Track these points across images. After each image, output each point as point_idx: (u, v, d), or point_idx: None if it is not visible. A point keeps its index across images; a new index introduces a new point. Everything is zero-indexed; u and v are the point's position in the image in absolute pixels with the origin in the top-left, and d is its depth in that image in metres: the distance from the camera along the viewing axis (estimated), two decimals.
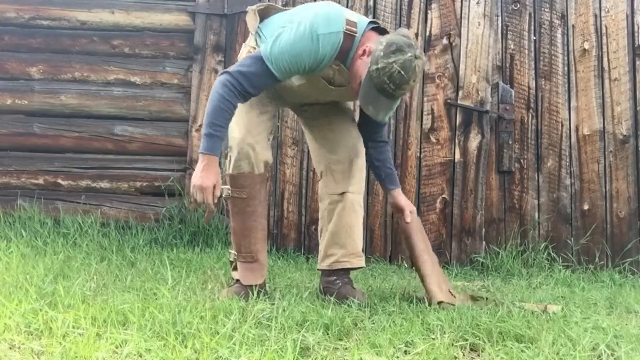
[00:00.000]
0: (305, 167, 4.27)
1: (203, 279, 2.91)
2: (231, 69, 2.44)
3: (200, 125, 4.29)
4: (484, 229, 4.25)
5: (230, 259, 2.73)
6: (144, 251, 3.68)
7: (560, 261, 4.11)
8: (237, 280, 2.63)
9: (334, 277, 2.66)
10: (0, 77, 4.36)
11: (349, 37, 2.42)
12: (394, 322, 2.17)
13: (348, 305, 2.40)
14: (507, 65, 4.33)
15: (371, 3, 4.34)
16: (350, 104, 2.93)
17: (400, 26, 4.30)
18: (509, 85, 4.31)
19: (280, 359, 1.72)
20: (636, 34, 4.32)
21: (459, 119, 4.30)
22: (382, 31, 2.50)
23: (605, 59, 4.31)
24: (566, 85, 4.31)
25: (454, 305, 2.57)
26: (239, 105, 2.64)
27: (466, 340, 2.02)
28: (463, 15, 4.34)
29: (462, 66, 4.31)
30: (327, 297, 2.54)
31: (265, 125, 2.64)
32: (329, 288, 2.64)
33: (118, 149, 4.34)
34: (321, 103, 2.78)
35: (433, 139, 4.29)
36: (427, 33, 4.33)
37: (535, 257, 4.09)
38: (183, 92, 4.36)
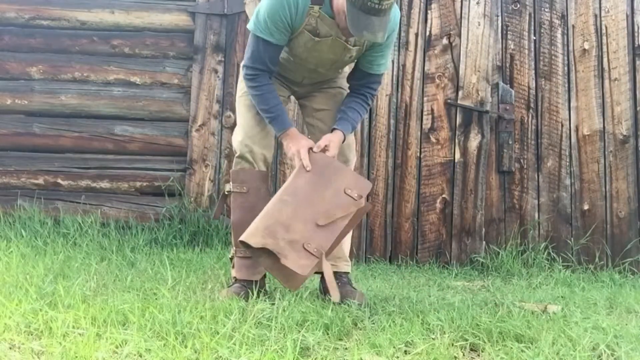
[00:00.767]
0: None
1: (203, 279, 2.90)
2: (243, 61, 2.60)
3: (200, 125, 4.29)
4: (484, 229, 4.25)
5: (230, 256, 2.74)
6: (144, 251, 3.68)
7: (560, 261, 4.11)
8: (236, 279, 2.63)
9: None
10: (0, 77, 4.36)
11: None
12: (394, 322, 2.16)
13: (348, 305, 2.40)
14: (507, 65, 4.33)
15: None
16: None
17: (400, 27, 4.30)
18: (509, 85, 4.31)
19: (280, 359, 1.72)
20: (636, 34, 4.32)
21: (459, 119, 4.30)
22: None
23: (605, 59, 4.31)
24: (566, 85, 4.31)
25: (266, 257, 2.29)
26: (240, 105, 2.69)
27: (466, 340, 2.02)
28: (463, 15, 4.34)
29: (462, 66, 4.31)
30: (327, 297, 2.54)
31: (264, 124, 2.65)
32: (328, 288, 2.63)
33: (118, 149, 4.34)
34: (321, 82, 2.75)
35: (433, 139, 4.29)
36: (427, 33, 4.33)
37: (535, 257, 4.10)
38: (183, 92, 4.36)
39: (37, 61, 4.37)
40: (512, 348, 1.92)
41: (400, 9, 4.33)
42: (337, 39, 2.53)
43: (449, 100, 4.30)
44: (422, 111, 4.30)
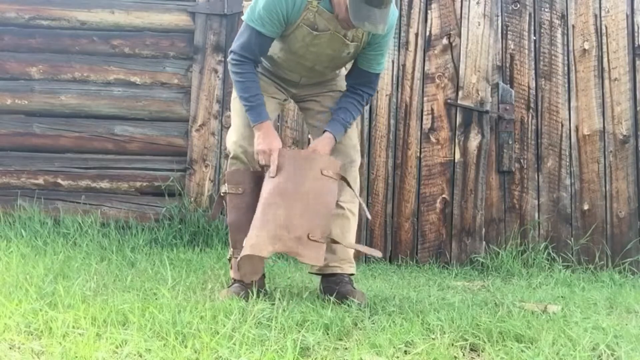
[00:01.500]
0: None
1: (203, 279, 2.90)
2: (232, 46, 2.60)
3: (200, 125, 4.29)
4: (484, 229, 4.25)
5: (228, 257, 2.74)
6: (144, 251, 3.68)
7: (560, 261, 4.11)
8: (235, 280, 2.63)
9: (333, 278, 2.66)
10: (0, 77, 4.36)
11: None
12: (394, 322, 2.17)
13: (348, 305, 2.40)
14: (507, 65, 4.33)
15: None
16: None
17: (400, 27, 4.30)
18: (509, 85, 4.31)
19: (280, 359, 1.72)
20: (636, 34, 4.32)
21: (459, 119, 4.30)
22: None
23: (605, 59, 4.31)
24: (566, 85, 4.31)
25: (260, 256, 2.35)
26: (236, 106, 2.68)
27: (466, 340, 2.02)
28: (463, 15, 4.34)
29: (462, 66, 4.31)
30: (327, 297, 2.54)
31: None
32: (329, 288, 2.64)
33: (118, 149, 4.34)
34: (320, 84, 2.75)
35: (433, 139, 4.29)
36: (427, 33, 4.33)
37: (535, 257, 4.10)
38: (183, 92, 4.36)
39: (37, 61, 4.37)
40: (512, 348, 1.92)
41: (400, 9, 4.33)
42: (335, 34, 2.53)
43: (449, 100, 4.30)
44: (422, 111, 4.30)
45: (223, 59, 4.33)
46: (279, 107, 2.80)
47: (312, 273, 2.78)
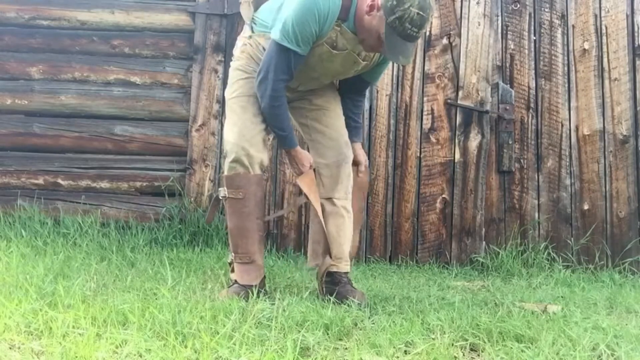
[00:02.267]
0: None
1: (203, 279, 2.90)
2: (260, 74, 2.55)
3: (200, 125, 4.29)
4: (484, 229, 4.25)
5: (228, 261, 2.74)
6: (144, 251, 3.68)
7: (560, 261, 4.11)
8: (235, 281, 2.63)
9: (333, 277, 2.66)
10: (0, 77, 4.36)
11: None
12: (394, 322, 2.17)
13: (348, 305, 2.40)
14: (507, 65, 4.33)
15: None
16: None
17: None
18: (509, 85, 4.31)
19: (280, 359, 1.72)
20: (636, 34, 4.32)
21: (459, 119, 4.30)
22: None
23: (605, 59, 4.31)
24: (566, 85, 4.31)
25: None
26: (234, 106, 2.67)
27: (466, 340, 2.02)
28: (463, 15, 4.34)
29: (462, 66, 4.31)
30: (327, 297, 2.54)
31: (260, 127, 2.64)
32: (328, 288, 2.64)
33: (118, 149, 4.33)
34: (317, 89, 2.78)
35: (433, 139, 4.29)
36: (427, 33, 4.33)
37: (535, 257, 4.10)
38: (183, 92, 4.36)
39: (37, 61, 4.37)
40: (512, 348, 1.92)
41: None
42: (351, 53, 2.56)
43: (449, 100, 4.30)
44: (422, 111, 4.30)
45: (223, 59, 4.33)
46: None
47: (309, 269, 2.84)
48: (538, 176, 4.27)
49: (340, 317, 2.14)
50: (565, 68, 4.32)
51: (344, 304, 2.43)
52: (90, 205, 4.26)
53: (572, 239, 4.22)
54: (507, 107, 4.28)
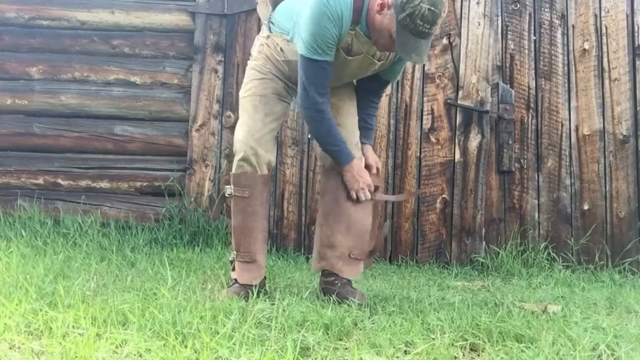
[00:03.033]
0: (305, 167, 4.26)
1: (203, 279, 2.91)
2: (300, 88, 2.52)
3: (200, 125, 4.29)
4: (484, 229, 4.25)
5: (230, 259, 2.74)
6: (144, 251, 3.68)
7: (560, 261, 4.11)
8: (236, 280, 2.63)
9: (333, 278, 2.66)
10: (0, 77, 4.36)
11: None
12: (394, 322, 2.17)
13: (348, 305, 2.40)
14: (507, 65, 4.33)
15: None
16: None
17: None
18: (509, 85, 4.31)
19: (280, 359, 1.72)
20: (636, 34, 4.32)
21: (459, 119, 4.30)
22: None
23: (605, 59, 4.31)
24: (566, 85, 4.31)
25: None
26: (246, 105, 2.65)
27: (466, 340, 2.02)
28: (463, 15, 4.34)
29: (462, 66, 4.31)
30: (327, 297, 2.54)
31: (270, 127, 2.65)
32: (328, 289, 2.64)
33: (118, 149, 4.33)
34: (333, 89, 2.77)
35: (433, 139, 4.29)
36: None
37: (535, 257, 4.10)
38: (183, 92, 4.36)
39: (37, 61, 4.37)
40: (512, 348, 1.92)
41: None
42: (366, 56, 2.54)
43: (449, 100, 4.30)
44: (422, 111, 4.30)
45: (223, 59, 4.33)
46: (286, 109, 2.79)
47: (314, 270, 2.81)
48: (538, 176, 4.27)
49: (340, 317, 2.14)
50: (565, 68, 4.32)
51: (344, 304, 2.43)
52: (90, 205, 4.26)
53: (572, 239, 4.22)
54: (507, 107, 4.28)
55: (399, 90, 4.29)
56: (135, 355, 1.71)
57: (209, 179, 4.28)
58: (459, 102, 4.30)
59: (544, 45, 4.33)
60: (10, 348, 1.72)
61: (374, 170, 2.78)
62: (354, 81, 2.81)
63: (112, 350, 1.73)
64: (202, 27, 4.35)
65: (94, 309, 2.03)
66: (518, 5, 4.35)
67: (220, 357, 1.72)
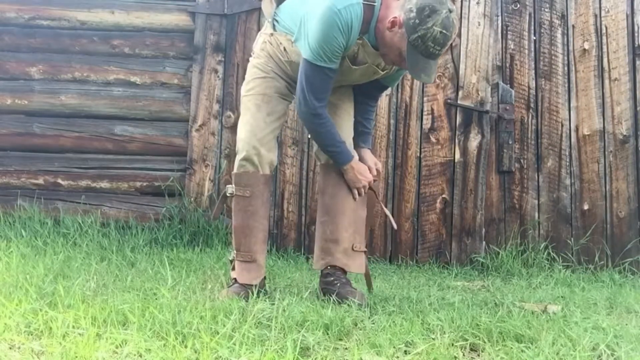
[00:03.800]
0: (305, 167, 4.26)
1: (203, 279, 2.90)
2: (299, 98, 2.51)
3: (200, 125, 4.29)
4: (484, 229, 4.25)
5: (230, 258, 2.74)
6: (144, 251, 3.68)
7: (560, 261, 4.11)
8: (235, 280, 2.63)
9: (332, 278, 2.66)
10: (0, 77, 4.36)
11: (369, 7, 2.42)
12: (394, 322, 2.17)
13: (348, 305, 2.40)
14: (507, 65, 4.33)
15: None
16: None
17: None
18: (509, 85, 4.31)
19: (280, 359, 1.72)
20: (636, 34, 4.32)
21: (459, 119, 4.30)
22: None
23: (605, 59, 4.31)
24: (566, 85, 4.31)
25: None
26: (248, 104, 2.65)
27: (466, 340, 2.02)
28: (463, 15, 4.34)
29: (462, 66, 4.31)
30: (327, 297, 2.54)
31: (273, 127, 2.65)
32: (328, 289, 2.64)
33: (118, 149, 4.33)
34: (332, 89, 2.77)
35: (433, 139, 4.29)
36: None
37: (535, 257, 4.10)
38: (183, 92, 4.36)
39: (37, 61, 4.37)
40: (512, 348, 1.92)
41: None
42: (370, 66, 2.55)
43: (449, 100, 4.30)
44: (422, 111, 4.30)
45: (223, 59, 4.33)
46: (287, 108, 2.79)
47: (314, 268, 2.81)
48: (538, 176, 4.27)
49: (340, 317, 2.14)
50: (565, 68, 4.32)
51: (344, 304, 2.43)
52: (90, 205, 4.26)
53: (572, 239, 4.22)
54: (507, 107, 4.28)
55: (399, 90, 4.29)
56: (135, 355, 1.71)
57: (209, 179, 4.28)
58: (459, 102, 4.30)
59: (544, 45, 4.33)
60: (10, 348, 1.72)
61: (374, 172, 2.79)
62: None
63: (112, 350, 1.73)
64: (202, 27, 4.35)
65: (94, 309, 2.03)
66: (518, 5, 4.35)
67: (220, 357, 1.72)
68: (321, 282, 2.70)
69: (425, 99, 4.30)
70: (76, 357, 1.66)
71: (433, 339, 2.00)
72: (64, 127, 4.34)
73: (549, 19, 4.34)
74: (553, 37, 4.34)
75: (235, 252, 2.66)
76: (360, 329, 2.13)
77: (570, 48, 4.32)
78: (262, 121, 2.61)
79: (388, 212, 2.93)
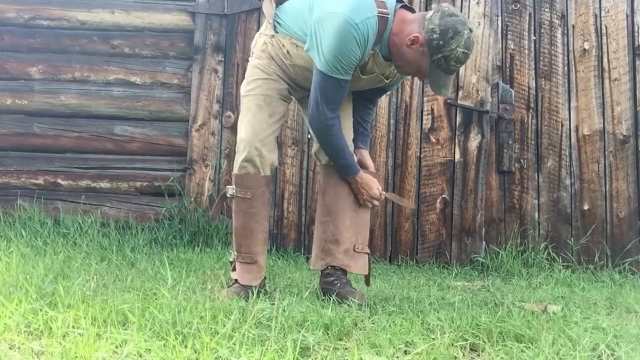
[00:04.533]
0: (305, 167, 4.26)
1: (203, 279, 2.90)
2: (311, 108, 2.52)
3: (200, 125, 4.29)
4: (484, 229, 4.25)
5: (230, 259, 2.74)
6: (144, 251, 3.68)
7: (560, 261, 4.11)
8: (236, 281, 2.63)
9: (332, 278, 2.66)
10: (0, 77, 4.36)
11: (382, 19, 2.44)
12: (394, 322, 2.17)
13: (348, 305, 2.40)
14: (507, 65, 4.33)
15: None
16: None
17: None
18: (509, 85, 4.31)
19: (280, 359, 1.72)
20: (636, 34, 4.32)
21: (459, 119, 4.30)
22: (408, 8, 2.54)
23: (605, 59, 4.31)
24: (566, 85, 4.31)
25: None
26: (250, 104, 2.64)
27: (466, 340, 2.02)
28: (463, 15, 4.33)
29: (462, 66, 4.30)
30: (327, 297, 2.54)
31: (274, 128, 2.64)
32: (328, 289, 2.64)
33: (118, 149, 4.34)
34: None
35: (433, 139, 4.29)
36: None
37: (535, 257, 4.10)
38: (183, 92, 4.36)
39: (37, 61, 4.37)
40: (512, 348, 1.92)
41: None
42: (378, 75, 2.57)
43: (449, 100, 4.30)
44: (422, 111, 4.30)
45: (223, 59, 4.33)
46: (287, 110, 2.79)
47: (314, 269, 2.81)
48: (538, 176, 4.27)
49: (340, 317, 2.14)
50: (565, 68, 4.32)
51: (344, 304, 2.43)
52: (90, 205, 4.27)
53: (572, 239, 4.22)
54: (507, 107, 4.28)
55: (399, 90, 4.29)
56: (135, 355, 1.71)
57: (209, 179, 4.28)
58: (459, 102, 4.30)
59: (544, 45, 4.33)
60: (10, 348, 1.72)
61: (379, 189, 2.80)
62: None
63: (112, 350, 1.73)
64: (202, 27, 4.35)
65: (94, 309, 2.03)
66: (518, 5, 4.35)
67: (220, 357, 1.72)
68: (321, 282, 2.71)
69: (425, 99, 4.30)
70: (76, 357, 1.66)
71: (433, 339, 2.00)
72: (64, 127, 4.34)
73: (549, 19, 4.34)
74: (553, 37, 4.34)
75: (236, 253, 2.65)
76: (360, 329, 2.13)
77: (570, 48, 4.32)
78: (264, 122, 2.60)
79: (394, 197, 2.92)
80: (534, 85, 4.32)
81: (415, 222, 4.26)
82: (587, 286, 3.52)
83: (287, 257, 4.04)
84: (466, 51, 2.38)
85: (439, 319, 2.19)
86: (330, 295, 2.54)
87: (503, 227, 4.26)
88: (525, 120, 4.30)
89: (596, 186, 4.25)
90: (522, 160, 4.28)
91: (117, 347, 1.75)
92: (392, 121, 4.29)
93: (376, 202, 2.71)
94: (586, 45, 4.32)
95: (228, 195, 2.65)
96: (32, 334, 1.83)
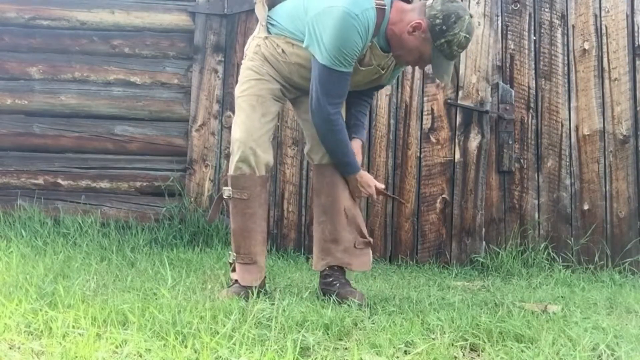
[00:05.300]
0: (305, 167, 4.26)
1: (203, 279, 2.91)
2: (312, 102, 2.52)
3: (200, 125, 4.29)
4: (484, 229, 4.25)
5: (230, 260, 2.73)
6: (144, 251, 3.68)
7: (560, 261, 4.11)
8: (236, 281, 2.63)
9: (332, 279, 2.66)
10: (0, 77, 4.36)
11: (380, 10, 2.46)
12: (394, 322, 2.17)
13: (348, 305, 2.40)
14: (507, 65, 4.33)
15: None
16: None
17: None
18: (509, 85, 4.31)
19: (280, 359, 1.72)
20: (636, 34, 4.32)
21: (459, 119, 4.30)
22: None
23: (605, 59, 4.31)
24: (566, 85, 4.31)
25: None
26: (243, 105, 2.63)
27: (466, 340, 2.02)
28: None
29: (462, 66, 4.31)
30: (327, 297, 2.54)
31: (268, 127, 2.64)
32: (328, 289, 2.64)
33: (118, 149, 4.33)
34: None
35: (433, 139, 4.29)
36: None
37: (535, 257, 4.10)
38: (183, 92, 4.36)
39: (37, 61, 4.37)
40: (512, 348, 1.92)
41: None
42: (375, 67, 2.57)
43: (449, 100, 4.30)
44: (422, 111, 4.30)
45: (223, 59, 4.33)
46: (280, 110, 2.80)
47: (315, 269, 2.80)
48: (538, 176, 4.27)
49: (340, 317, 2.14)
50: (565, 68, 4.32)
51: (344, 304, 2.43)
52: (90, 205, 4.27)
53: (572, 239, 4.22)
54: (507, 107, 4.28)
55: (399, 90, 4.30)
56: (135, 355, 1.71)
57: (209, 179, 4.28)
58: (459, 102, 4.30)
59: (544, 45, 4.33)
60: (10, 348, 1.72)
61: (380, 187, 2.80)
62: None
63: (112, 350, 1.73)
64: (202, 27, 4.35)
65: (94, 309, 2.03)
66: (518, 5, 4.35)
67: (220, 357, 1.72)
68: (321, 283, 2.71)
69: (425, 99, 4.30)
70: (76, 357, 1.66)
71: (433, 339, 2.00)
72: (64, 127, 4.34)
73: (549, 19, 4.34)
74: (553, 37, 4.34)
75: (235, 254, 2.65)
76: (360, 329, 2.13)
77: (570, 48, 4.32)
78: (258, 122, 2.60)
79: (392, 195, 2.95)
80: (534, 85, 4.32)
81: (415, 222, 4.26)
82: (587, 286, 3.52)
83: (287, 257, 4.04)
84: (468, 36, 2.41)
85: (439, 319, 2.19)
86: (330, 296, 2.54)
87: (503, 227, 4.26)
88: (525, 120, 4.30)
89: (596, 186, 4.25)
90: (522, 160, 4.28)
91: (117, 347, 1.75)
92: (392, 121, 4.29)
93: (374, 197, 2.74)
94: (586, 45, 4.32)
95: (225, 197, 2.64)
96: (32, 334, 1.83)
